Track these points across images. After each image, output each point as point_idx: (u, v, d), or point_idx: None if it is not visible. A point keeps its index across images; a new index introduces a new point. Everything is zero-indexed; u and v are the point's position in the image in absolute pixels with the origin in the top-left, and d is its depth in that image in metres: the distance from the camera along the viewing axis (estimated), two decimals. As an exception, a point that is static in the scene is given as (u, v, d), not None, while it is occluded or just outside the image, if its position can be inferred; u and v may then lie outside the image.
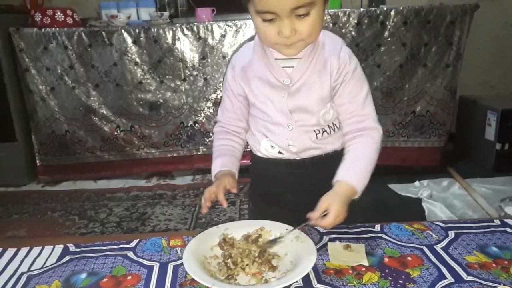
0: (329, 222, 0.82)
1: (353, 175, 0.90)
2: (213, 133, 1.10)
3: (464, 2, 2.46)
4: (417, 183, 2.45)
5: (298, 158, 1.01)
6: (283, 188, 1.05)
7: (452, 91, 2.59)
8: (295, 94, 0.94)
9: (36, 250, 0.88)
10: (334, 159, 0.98)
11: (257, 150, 1.05)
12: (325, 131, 0.99)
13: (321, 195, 0.87)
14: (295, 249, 0.83)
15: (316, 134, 0.99)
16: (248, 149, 1.11)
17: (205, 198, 0.95)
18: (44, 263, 0.84)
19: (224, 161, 1.01)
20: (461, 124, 2.95)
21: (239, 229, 0.90)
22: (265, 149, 1.03)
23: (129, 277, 0.79)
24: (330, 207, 0.83)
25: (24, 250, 0.88)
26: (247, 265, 0.79)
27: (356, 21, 2.50)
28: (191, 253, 0.80)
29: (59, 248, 0.89)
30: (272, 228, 0.90)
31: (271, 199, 1.05)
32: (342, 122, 1.00)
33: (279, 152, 1.01)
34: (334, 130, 1.00)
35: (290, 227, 0.87)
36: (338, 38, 0.97)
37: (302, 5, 0.80)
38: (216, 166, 1.01)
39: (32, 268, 0.82)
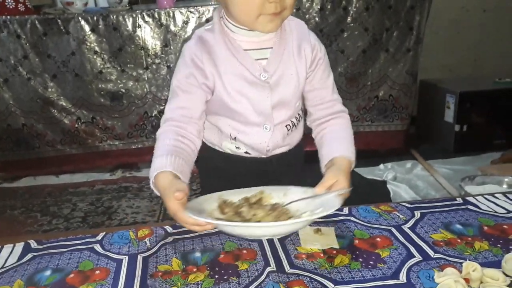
0: (345, 184, 0.82)
1: (348, 150, 0.90)
2: (155, 135, 0.90)
3: (423, -13, 2.51)
4: (381, 166, 2.51)
5: (264, 157, 0.97)
6: (246, 184, 0.90)
7: (413, 75, 2.66)
8: (275, 89, 0.89)
9: (-6, 249, 0.84)
10: (295, 152, 0.99)
11: (215, 145, 0.98)
12: (294, 124, 0.97)
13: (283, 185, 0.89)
14: (306, 206, 0.80)
15: (288, 130, 0.96)
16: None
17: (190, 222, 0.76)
18: (4, 263, 0.80)
19: (169, 160, 0.81)
20: (422, 108, 3.03)
21: (235, 196, 0.85)
22: (228, 148, 0.97)
23: (97, 272, 0.76)
24: (339, 178, 0.82)
25: (-19, 250, 0.84)
26: (262, 217, 0.76)
27: (319, 7, 2.51)
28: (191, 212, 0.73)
29: (19, 246, 0.84)
30: (273, 192, 0.85)
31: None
32: (310, 108, 0.97)
33: (246, 152, 0.96)
34: (299, 121, 0.98)
35: (295, 190, 0.84)
36: (302, 22, 0.94)
37: None
38: (158, 166, 0.80)
39: (-9, 269, 0.78)
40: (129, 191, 2.43)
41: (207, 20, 2.53)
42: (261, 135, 0.93)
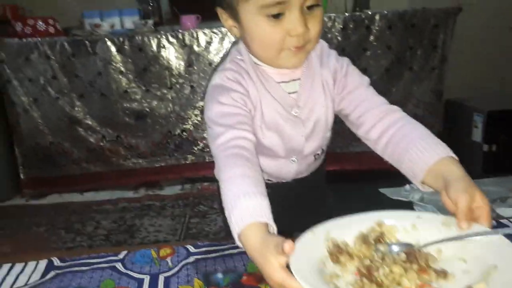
0: (483, 200, 0.60)
1: (443, 146, 0.69)
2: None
3: (447, 6, 2.48)
4: (407, 186, 2.44)
5: (284, 181, 0.94)
6: None
7: (438, 94, 2.61)
8: (305, 123, 0.83)
9: (18, 266, 0.84)
10: (318, 174, 0.96)
11: None
12: (323, 151, 0.93)
13: (303, 208, 0.87)
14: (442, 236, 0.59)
15: (315, 159, 0.92)
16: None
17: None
18: (28, 280, 0.80)
19: (259, 204, 0.64)
20: (448, 127, 2.96)
21: (344, 229, 0.62)
22: None
23: (118, 291, 0.75)
24: (472, 192, 0.60)
25: (5, 267, 0.84)
26: (401, 277, 0.53)
27: (341, 26, 2.51)
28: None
29: (43, 264, 0.85)
30: (395, 220, 0.62)
31: None
32: (354, 115, 0.81)
33: (268, 180, 0.91)
34: (325, 149, 0.95)
35: (427, 218, 0.63)
36: (321, 42, 0.85)
37: None
38: (244, 214, 0.63)
39: (14, 286, 0.78)
40: (151, 210, 2.43)
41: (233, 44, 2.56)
42: (287, 166, 0.90)
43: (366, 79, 0.85)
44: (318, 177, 0.96)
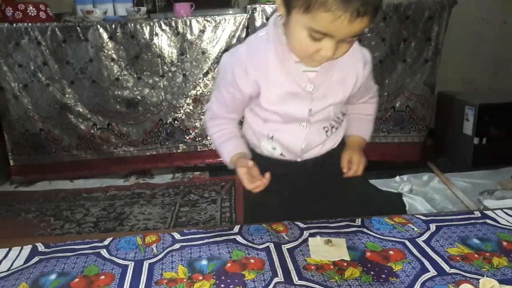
0: (357, 170, 0.94)
1: (365, 131, 1.05)
2: (202, 122, 1.06)
3: (442, -2, 2.48)
4: (397, 178, 2.46)
5: (299, 160, 0.99)
6: (281, 185, 0.98)
7: (431, 87, 2.61)
8: (318, 100, 0.90)
9: (2, 251, 0.84)
10: (331, 156, 0.99)
11: (255, 146, 1.01)
12: (333, 126, 0.98)
13: (318, 191, 0.98)
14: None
15: (326, 131, 0.97)
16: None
17: (248, 180, 0.89)
18: (11, 265, 0.79)
19: (236, 144, 0.98)
20: (440, 120, 2.98)
21: None
22: (266, 149, 0.99)
23: (102, 277, 0.75)
24: (352, 157, 0.95)
25: (-11, 252, 0.84)
26: None
27: (335, 17, 2.49)
28: None
29: (27, 249, 0.84)
30: None
31: (267, 195, 0.94)
32: (348, 104, 1.02)
33: (281, 154, 0.98)
34: (339, 124, 1.00)
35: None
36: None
37: (359, 34, 0.75)
38: (229, 150, 0.97)
39: (-3, 271, 0.78)
40: (141, 198, 2.43)
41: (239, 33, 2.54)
42: (297, 133, 0.94)
43: (375, 87, 1.05)
44: (333, 163, 0.97)
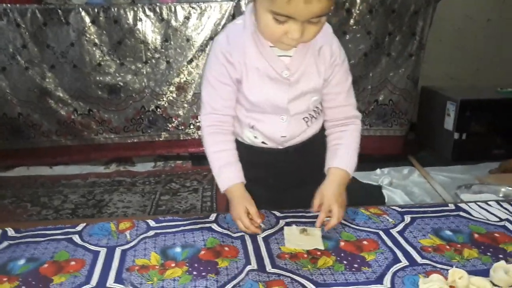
0: (338, 217, 0.83)
1: (347, 162, 0.92)
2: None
3: (428, -7, 2.48)
4: (378, 170, 2.48)
5: (281, 147, 0.99)
6: (265, 173, 1.01)
7: (414, 81, 2.63)
8: (294, 85, 0.91)
9: (-30, 235, 0.82)
10: (313, 142, 1.01)
11: (237, 134, 1.01)
12: (313, 116, 0.99)
13: (302, 176, 0.98)
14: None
15: (306, 122, 0.98)
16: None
17: (247, 224, 0.83)
18: (-21, 250, 0.77)
19: (236, 171, 0.92)
20: (422, 114, 3.00)
21: None
22: (248, 137, 0.99)
23: (72, 262, 0.74)
24: (332, 204, 0.84)
25: (-44, 236, 0.81)
26: None
27: (322, 8, 2.48)
28: None
29: (-4, 234, 0.82)
30: None
31: (252, 183, 0.95)
32: (326, 109, 0.99)
33: (263, 142, 0.99)
34: (318, 114, 1.00)
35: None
36: (327, 25, 0.91)
37: (322, 14, 0.76)
38: (229, 177, 0.91)
39: (-36, 255, 0.76)
40: (122, 185, 2.40)
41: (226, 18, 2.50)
42: (278, 125, 0.95)
43: (349, 81, 0.97)
44: (315, 148, 0.99)
